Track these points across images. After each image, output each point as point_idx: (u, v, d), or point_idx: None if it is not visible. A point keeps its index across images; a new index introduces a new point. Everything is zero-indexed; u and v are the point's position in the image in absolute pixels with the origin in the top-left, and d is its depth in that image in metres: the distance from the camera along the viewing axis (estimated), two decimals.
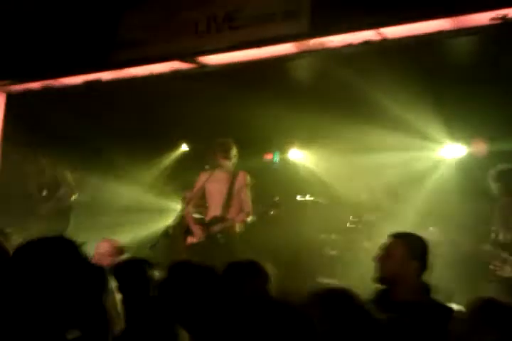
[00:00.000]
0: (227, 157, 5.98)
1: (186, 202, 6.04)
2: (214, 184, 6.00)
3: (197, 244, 5.83)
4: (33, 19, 5.30)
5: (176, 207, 7.41)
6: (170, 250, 6.22)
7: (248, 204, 6.02)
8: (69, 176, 7.31)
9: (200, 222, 5.99)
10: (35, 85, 5.80)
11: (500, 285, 4.92)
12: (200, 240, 5.84)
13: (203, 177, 6.08)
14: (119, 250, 4.83)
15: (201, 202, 6.21)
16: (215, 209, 5.97)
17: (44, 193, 7.28)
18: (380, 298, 3.29)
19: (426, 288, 3.25)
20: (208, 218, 5.98)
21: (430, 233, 5.37)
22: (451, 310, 3.10)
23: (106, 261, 4.40)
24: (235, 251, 5.59)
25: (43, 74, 5.61)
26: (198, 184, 6.08)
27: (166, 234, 5.65)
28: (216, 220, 5.87)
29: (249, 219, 5.99)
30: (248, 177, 6.11)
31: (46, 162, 7.25)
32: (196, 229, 5.91)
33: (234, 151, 6.04)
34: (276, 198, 7.20)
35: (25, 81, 5.75)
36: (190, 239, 5.92)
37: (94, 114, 6.63)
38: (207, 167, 6.02)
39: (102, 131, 6.91)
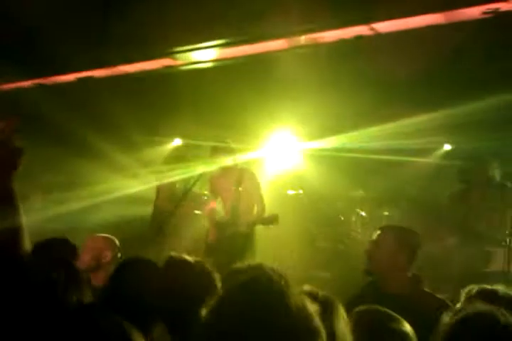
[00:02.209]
0: (230, 159, 6.02)
1: (208, 209, 6.31)
2: (222, 188, 6.11)
3: (211, 245, 6.04)
4: (23, 18, 5.25)
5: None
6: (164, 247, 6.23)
7: (259, 202, 6.05)
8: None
9: (215, 224, 6.12)
10: (26, 84, 5.78)
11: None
12: (214, 241, 6.02)
13: (212, 183, 6.22)
14: (112, 247, 4.73)
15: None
16: (226, 212, 6.05)
17: None
18: (371, 290, 3.33)
19: (417, 280, 3.29)
20: (221, 220, 6.13)
21: None
22: (443, 301, 3.15)
23: (99, 257, 4.38)
24: (245, 250, 5.71)
25: (35, 73, 5.58)
26: (211, 190, 6.33)
27: (161, 231, 5.67)
28: (227, 223, 5.98)
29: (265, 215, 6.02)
30: (255, 176, 6.17)
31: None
32: (212, 231, 6.10)
33: (235, 153, 6.08)
34: None
35: (17, 80, 5.72)
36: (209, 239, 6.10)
37: (87, 109, 6.58)
38: (214, 172, 6.13)
39: (93, 125, 6.87)
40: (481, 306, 1.88)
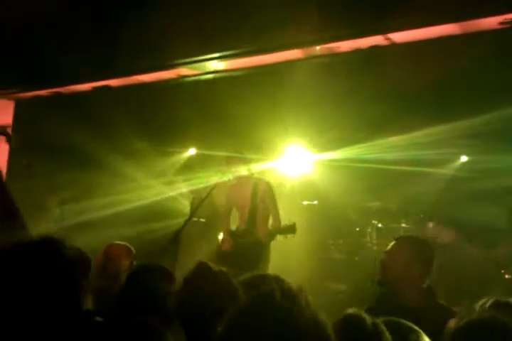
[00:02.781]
0: (245, 169, 6.00)
1: (224, 218, 6.29)
2: (238, 197, 6.10)
3: (226, 253, 6.00)
4: (40, 29, 5.32)
5: (184, 210, 7.45)
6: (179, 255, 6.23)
7: (275, 213, 6.02)
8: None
9: (230, 233, 6.11)
10: (43, 92, 5.83)
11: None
12: (229, 250, 5.99)
13: (229, 193, 6.20)
14: (130, 255, 4.77)
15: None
16: (242, 222, 6.05)
17: None
18: (384, 302, 3.28)
19: (431, 292, 3.23)
20: (237, 230, 6.11)
21: None
22: (457, 313, 3.09)
23: (116, 265, 4.38)
24: (259, 260, 5.68)
25: (52, 82, 5.63)
26: (227, 200, 6.29)
27: (176, 239, 5.65)
28: (242, 233, 5.97)
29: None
30: (271, 186, 6.15)
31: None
32: (226, 240, 6.07)
33: (250, 163, 6.06)
34: None
35: (34, 89, 5.77)
36: (224, 247, 6.09)
37: (100, 119, 6.62)
38: (230, 181, 6.11)
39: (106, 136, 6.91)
40: (488, 313, 1.85)
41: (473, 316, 1.84)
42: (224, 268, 2.91)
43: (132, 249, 4.64)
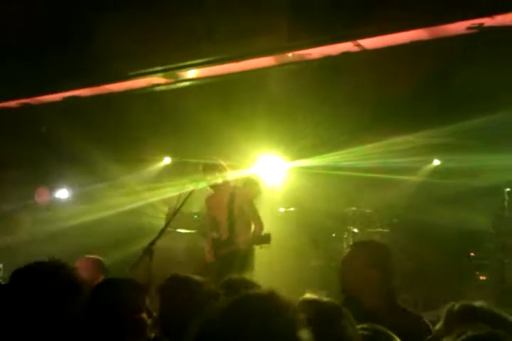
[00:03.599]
0: (220, 178, 5.97)
1: (207, 230, 6.27)
2: (216, 207, 6.07)
3: (211, 264, 6.01)
4: (11, 37, 5.24)
5: (158, 222, 7.39)
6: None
7: (256, 219, 5.99)
8: None
9: (211, 244, 6.07)
10: (12, 104, 5.73)
11: None
12: (212, 261, 5.98)
13: (207, 203, 6.17)
14: (102, 268, 4.73)
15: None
16: (222, 232, 6.01)
17: None
18: (350, 306, 3.28)
19: (391, 295, 3.24)
20: (217, 240, 6.06)
21: None
22: (419, 316, 3.11)
23: (93, 279, 4.33)
24: (243, 269, 5.64)
25: (22, 93, 5.54)
26: (207, 210, 6.27)
27: (149, 251, 5.58)
28: (222, 243, 5.93)
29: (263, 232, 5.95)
30: (248, 192, 6.13)
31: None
32: (208, 251, 6.04)
33: (225, 171, 6.03)
34: None
35: (3, 100, 5.68)
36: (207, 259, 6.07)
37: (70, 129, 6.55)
38: (206, 190, 6.09)
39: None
40: (482, 329, 1.84)
41: (468, 335, 1.82)
42: (197, 277, 2.94)
43: (102, 262, 4.62)
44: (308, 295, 2.07)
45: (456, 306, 2.35)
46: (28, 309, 2.20)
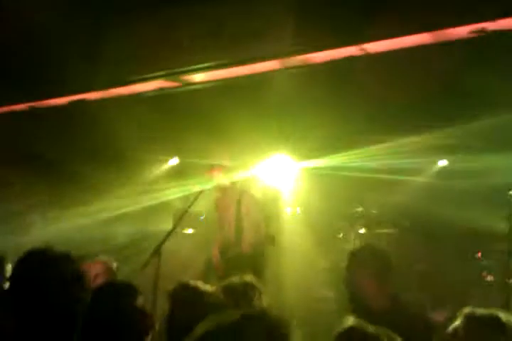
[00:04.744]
0: (228, 178, 6.00)
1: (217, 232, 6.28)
2: (223, 211, 6.10)
3: (216, 268, 6.06)
4: (16, 41, 5.29)
5: (166, 224, 7.43)
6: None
7: (262, 223, 6.02)
8: None
9: (218, 249, 6.12)
10: (19, 107, 5.78)
11: None
12: (218, 265, 6.04)
13: (215, 206, 6.20)
14: (112, 271, 4.74)
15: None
16: (230, 235, 6.01)
17: None
18: (358, 308, 3.32)
19: (395, 298, 3.28)
20: (223, 244, 6.12)
21: None
22: (426, 317, 3.16)
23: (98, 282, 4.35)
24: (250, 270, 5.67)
25: (28, 97, 5.59)
26: (216, 210, 6.31)
27: (157, 252, 5.61)
28: (228, 248, 5.96)
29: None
30: (254, 197, 6.15)
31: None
32: (215, 255, 6.08)
33: (233, 171, 6.06)
34: None
35: (10, 103, 5.73)
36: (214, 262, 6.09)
37: (75, 133, 6.59)
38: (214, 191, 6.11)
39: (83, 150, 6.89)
40: None
41: None
42: (207, 287, 2.98)
43: (114, 265, 4.63)
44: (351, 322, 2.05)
45: (478, 313, 2.33)
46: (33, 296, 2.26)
